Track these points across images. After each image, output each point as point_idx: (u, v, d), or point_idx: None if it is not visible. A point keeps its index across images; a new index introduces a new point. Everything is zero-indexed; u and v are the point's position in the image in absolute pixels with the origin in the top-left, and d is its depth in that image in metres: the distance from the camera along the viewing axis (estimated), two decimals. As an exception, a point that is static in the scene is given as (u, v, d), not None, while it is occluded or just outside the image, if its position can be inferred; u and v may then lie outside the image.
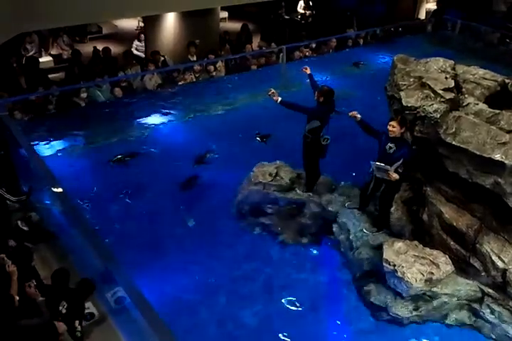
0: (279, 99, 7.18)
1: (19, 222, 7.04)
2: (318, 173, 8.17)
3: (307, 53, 14.24)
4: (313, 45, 14.55)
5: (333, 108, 7.50)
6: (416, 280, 6.41)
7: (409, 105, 6.94)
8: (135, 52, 14.48)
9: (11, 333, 4.93)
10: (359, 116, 6.81)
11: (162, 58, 12.82)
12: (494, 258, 6.52)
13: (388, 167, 6.58)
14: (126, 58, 12.94)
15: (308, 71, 7.95)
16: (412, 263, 6.57)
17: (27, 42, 13.72)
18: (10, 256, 5.86)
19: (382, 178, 6.86)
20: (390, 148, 6.67)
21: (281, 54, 13.72)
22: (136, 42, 14.85)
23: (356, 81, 13.02)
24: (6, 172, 7.89)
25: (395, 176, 6.54)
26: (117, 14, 11.50)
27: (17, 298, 5.33)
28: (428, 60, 7.66)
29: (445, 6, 17.21)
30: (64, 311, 5.42)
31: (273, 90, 7.16)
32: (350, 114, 6.85)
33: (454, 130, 6.53)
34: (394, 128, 6.56)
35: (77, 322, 5.46)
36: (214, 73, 12.85)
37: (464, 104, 6.94)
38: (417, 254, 6.72)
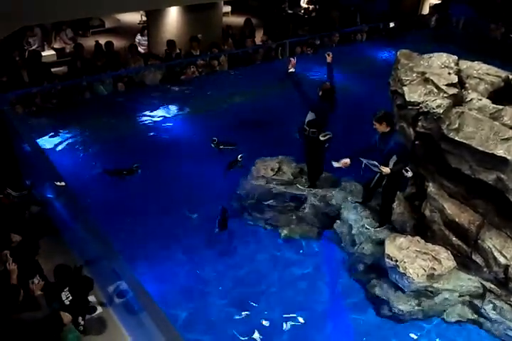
0: (293, 70, 7.24)
1: (31, 208, 7.07)
2: (321, 168, 8.18)
3: (309, 52, 14.23)
4: (317, 42, 14.54)
5: (334, 106, 7.53)
6: (418, 276, 6.42)
7: (412, 100, 6.93)
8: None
9: (13, 326, 4.95)
10: None
11: (178, 51, 12.80)
12: (496, 254, 6.52)
13: (375, 162, 6.74)
14: (131, 52, 12.91)
15: (330, 59, 7.77)
16: (413, 259, 6.58)
17: (29, 36, 13.70)
18: (15, 251, 5.88)
19: (381, 173, 6.94)
20: (380, 143, 6.83)
21: (280, 48, 13.73)
22: (138, 37, 14.79)
23: (359, 76, 12.99)
24: (9, 166, 7.89)
25: (385, 170, 6.69)
26: (119, 8, 11.44)
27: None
28: (431, 55, 7.61)
29: (449, 1, 17.14)
30: (67, 303, 5.43)
31: (294, 61, 7.27)
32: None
33: (457, 125, 6.52)
34: (375, 126, 6.73)
35: (80, 318, 5.48)
36: (217, 68, 12.85)
37: (467, 100, 6.91)
38: (418, 250, 6.73)
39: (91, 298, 5.87)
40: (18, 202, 7.11)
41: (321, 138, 7.57)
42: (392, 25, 16.18)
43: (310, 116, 7.51)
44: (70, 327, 5.22)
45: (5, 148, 8.06)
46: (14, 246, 6.13)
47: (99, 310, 5.93)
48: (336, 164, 7.02)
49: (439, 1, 17.92)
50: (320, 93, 7.37)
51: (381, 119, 6.67)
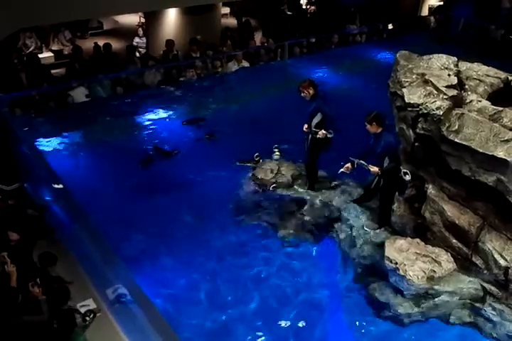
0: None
1: (29, 211, 7.05)
2: (316, 169, 8.18)
3: (305, 51, 14.25)
4: (314, 43, 14.55)
5: (325, 97, 7.58)
6: (418, 278, 6.39)
7: (411, 102, 6.90)
8: (134, 49, 14.40)
9: (13, 328, 4.94)
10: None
11: (175, 52, 12.79)
12: (496, 256, 6.49)
13: (363, 162, 6.89)
14: (129, 53, 12.89)
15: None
16: (413, 261, 6.54)
17: (27, 37, 13.68)
18: (13, 252, 5.85)
19: (378, 174, 6.97)
20: (374, 144, 6.91)
21: (279, 50, 13.73)
22: (136, 40, 14.72)
23: (358, 77, 12.98)
24: (3, 164, 7.88)
25: (373, 170, 6.84)
26: (118, 10, 11.44)
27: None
28: (431, 56, 7.60)
29: (450, 3, 17.14)
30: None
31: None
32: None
33: (456, 127, 6.49)
34: (366, 127, 6.83)
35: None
36: (220, 69, 12.85)
37: (467, 101, 6.89)
38: (418, 252, 6.69)
39: (89, 301, 5.86)
40: (15, 205, 7.09)
41: (329, 136, 7.57)
42: (391, 26, 16.18)
43: (317, 118, 7.52)
44: (79, 330, 5.23)
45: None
46: (13, 245, 6.12)
47: (97, 312, 5.91)
48: (340, 170, 7.19)
49: (441, 3, 17.92)
50: (311, 92, 7.41)
51: (371, 120, 6.76)
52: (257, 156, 8.79)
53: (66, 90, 11.22)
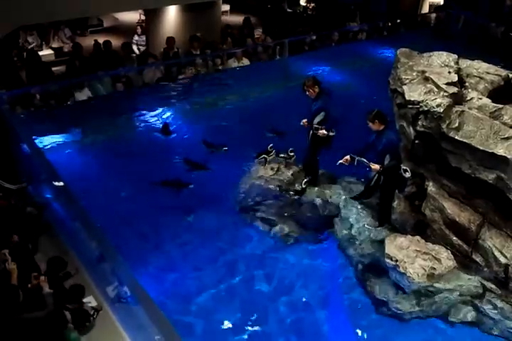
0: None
1: (28, 209, 7.05)
2: (318, 166, 8.17)
3: (306, 48, 14.22)
4: (314, 41, 14.50)
5: (329, 93, 7.56)
6: (418, 276, 6.40)
7: (412, 99, 6.91)
8: (134, 47, 14.34)
9: (15, 326, 4.94)
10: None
11: (176, 49, 12.77)
12: (496, 253, 6.51)
13: (364, 159, 6.89)
14: (125, 50, 12.87)
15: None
16: (414, 259, 6.55)
17: (28, 34, 13.65)
18: (13, 250, 5.86)
19: (378, 172, 6.96)
20: (376, 142, 6.88)
21: (278, 47, 13.71)
22: (136, 38, 14.63)
23: (358, 75, 12.96)
24: (4, 161, 7.88)
25: (374, 167, 6.81)
26: (118, 7, 11.43)
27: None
28: (431, 54, 7.61)
29: (451, 0, 17.13)
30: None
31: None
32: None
33: (457, 124, 6.50)
34: (368, 125, 6.80)
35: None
36: (220, 67, 12.83)
37: (467, 99, 6.90)
38: (419, 249, 6.70)
39: (89, 299, 5.86)
40: (16, 204, 7.09)
41: (331, 134, 7.55)
42: (392, 24, 16.15)
43: (320, 116, 7.50)
44: (71, 327, 5.23)
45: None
46: (12, 246, 6.13)
47: (98, 309, 5.91)
48: (338, 162, 7.17)
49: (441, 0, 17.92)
50: (316, 89, 7.36)
51: (374, 118, 6.73)
52: (271, 147, 8.69)
53: (69, 89, 11.17)
